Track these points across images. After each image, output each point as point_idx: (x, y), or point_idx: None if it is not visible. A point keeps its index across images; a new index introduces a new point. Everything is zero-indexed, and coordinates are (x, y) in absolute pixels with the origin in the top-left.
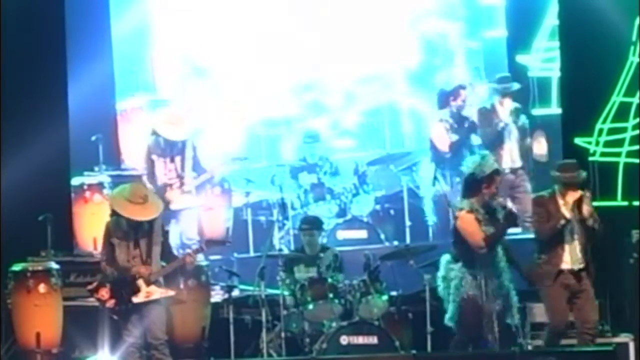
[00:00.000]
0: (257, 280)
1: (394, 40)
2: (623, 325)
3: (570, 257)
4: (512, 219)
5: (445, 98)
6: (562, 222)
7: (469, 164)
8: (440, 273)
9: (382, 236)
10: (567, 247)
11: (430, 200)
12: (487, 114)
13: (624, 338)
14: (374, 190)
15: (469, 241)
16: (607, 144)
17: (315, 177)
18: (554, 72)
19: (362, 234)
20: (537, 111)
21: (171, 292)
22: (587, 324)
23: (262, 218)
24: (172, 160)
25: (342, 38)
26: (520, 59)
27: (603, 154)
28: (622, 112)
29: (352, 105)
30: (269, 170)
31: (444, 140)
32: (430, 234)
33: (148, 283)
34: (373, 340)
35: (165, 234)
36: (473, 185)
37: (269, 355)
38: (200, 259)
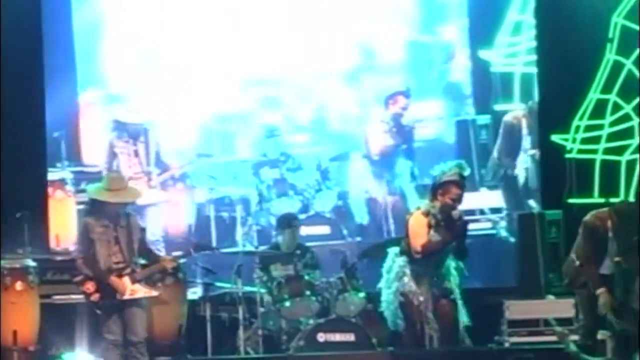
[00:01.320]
0: (234, 278)
1: (344, 37)
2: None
3: None
4: (459, 232)
5: (386, 100)
6: None
7: (440, 168)
8: (386, 264)
9: (345, 232)
10: None
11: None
12: None
13: (601, 335)
14: (337, 186)
15: (410, 241)
16: (584, 141)
17: (277, 172)
18: (516, 68)
19: (325, 229)
20: (499, 107)
21: (155, 292)
22: None
23: (225, 214)
24: (137, 155)
25: (297, 33)
26: (483, 54)
27: (580, 151)
28: (599, 109)
29: (307, 101)
30: (231, 166)
31: (376, 141)
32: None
33: (133, 281)
34: (350, 337)
35: (143, 230)
36: (432, 189)
37: (246, 352)
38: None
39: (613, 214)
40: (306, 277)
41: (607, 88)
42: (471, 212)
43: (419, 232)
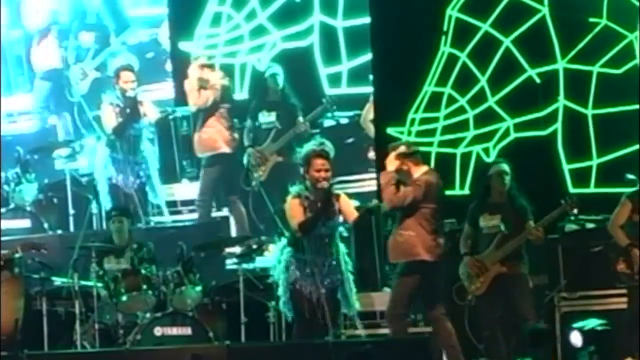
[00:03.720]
0: (71, 272)
1: None
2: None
3: None
4: (327, 206)
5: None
6: None
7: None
8: (277, 256)
9: (46, 225)
10: None
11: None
12: None
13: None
14: (37, 179)
15: (290, 225)
16: (420, 133)
17: None
18: (216, 59)
19: (26, 223)
20: None
21: None
22: None
23: None
24: None
25: None
26: (183, 45)
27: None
28: (434, 102)
29: None
30: None
31: (111, 122)
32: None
33: None
34: (187, 331)
35: None
36: (301, 171)
37: (83, 347)
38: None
39: None
40: (143, 272)
41: (442, 81)
42: None
43: (294, 214)
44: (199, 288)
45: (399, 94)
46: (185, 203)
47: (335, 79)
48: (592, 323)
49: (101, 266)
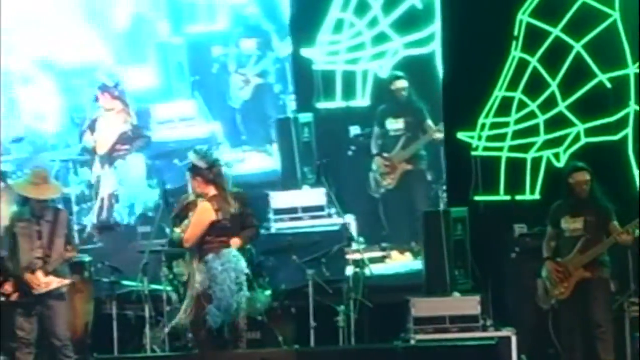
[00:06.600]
0: (141, 276)
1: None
2: (505, 319)
3: None
4: None
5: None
6: None
7: None
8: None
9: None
10: None
11: None
12: None
13: (506, 332)
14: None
15: None
16: (490, 138)
17: None
18: (338, 66)
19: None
20: (321, 105)
21: (67, 281)
22: None
23: None
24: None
25: None
26: (305, 52)
27: (486, 149)
28: (505, 107)
29: None
30: None
31: None
32: None
33: (46, 273)
34: (256, 335)
35: (70, 227)
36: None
37: (153, 350)
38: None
39: None
40: None
41: (512, 86)
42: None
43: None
44: (268, 292)
45: (469, 99)
46: (306, 210)
47: None
48: None
49: (171, 270)
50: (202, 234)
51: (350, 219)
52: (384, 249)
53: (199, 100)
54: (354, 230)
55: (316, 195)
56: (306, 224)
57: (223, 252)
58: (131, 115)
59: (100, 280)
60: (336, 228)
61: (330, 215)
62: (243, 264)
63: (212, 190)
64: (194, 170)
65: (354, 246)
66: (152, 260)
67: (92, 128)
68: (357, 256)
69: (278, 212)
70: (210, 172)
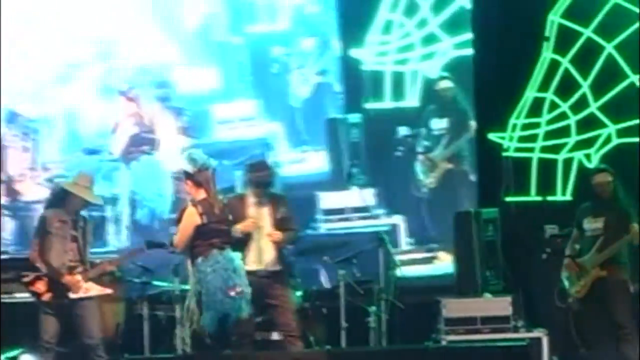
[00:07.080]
0: (171, 277)
1: None
2: (536, 320)
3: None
4: None
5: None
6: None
7: None
8: None
9: None
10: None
11: None
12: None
13: (537, 333)
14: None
15: None
16: (521, 139)
17: None
18: (387, 67)
19: None
20: (370, 105)
21: (108, 290)
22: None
23: None
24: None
25: None
26: (354, 52)
27: (517, 150)
28: (536, 108)
29: None
30: None
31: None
32: None
33: (86, 279)
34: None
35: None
36: None
37: (183, 351)
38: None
39: None
40: None
41: (543, 86)
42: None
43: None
44: (299, 293)
45: (500, 100)
46: (355, 210)
47: None
48: None
49: None
50: (190, 239)
51: (399, 220)
52: (430, 250)
53: (259, 100)
54: (402, 231)
55: (364, 196)
56: (354, 225)
57: (211, 254)
58: (144, 118)
59: (131, 280)
60: (385, 229)
61: (377, 216)
62: (237, 264)
63: (201, 194)
64: (184, 174)
65: (403, 247)
66: (183, 261)
67: (114, 132)
68: (403, 257)
69: (327, 212)
70: (199, 175)
